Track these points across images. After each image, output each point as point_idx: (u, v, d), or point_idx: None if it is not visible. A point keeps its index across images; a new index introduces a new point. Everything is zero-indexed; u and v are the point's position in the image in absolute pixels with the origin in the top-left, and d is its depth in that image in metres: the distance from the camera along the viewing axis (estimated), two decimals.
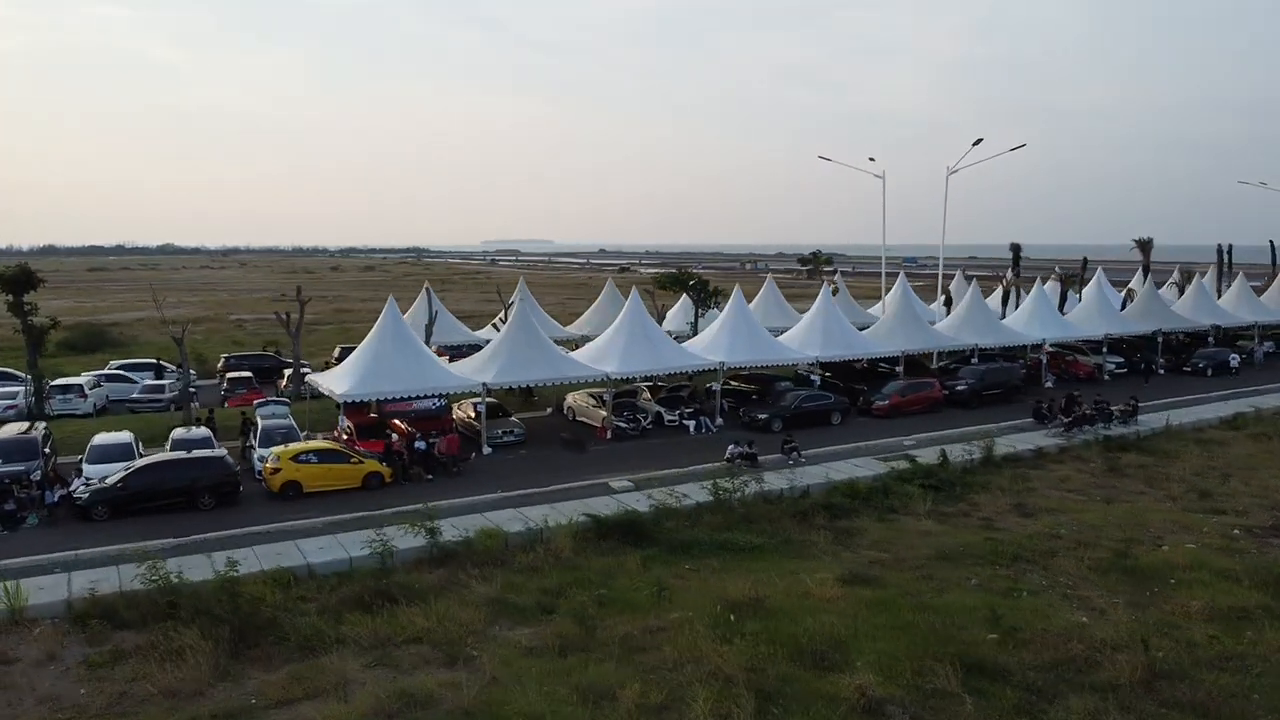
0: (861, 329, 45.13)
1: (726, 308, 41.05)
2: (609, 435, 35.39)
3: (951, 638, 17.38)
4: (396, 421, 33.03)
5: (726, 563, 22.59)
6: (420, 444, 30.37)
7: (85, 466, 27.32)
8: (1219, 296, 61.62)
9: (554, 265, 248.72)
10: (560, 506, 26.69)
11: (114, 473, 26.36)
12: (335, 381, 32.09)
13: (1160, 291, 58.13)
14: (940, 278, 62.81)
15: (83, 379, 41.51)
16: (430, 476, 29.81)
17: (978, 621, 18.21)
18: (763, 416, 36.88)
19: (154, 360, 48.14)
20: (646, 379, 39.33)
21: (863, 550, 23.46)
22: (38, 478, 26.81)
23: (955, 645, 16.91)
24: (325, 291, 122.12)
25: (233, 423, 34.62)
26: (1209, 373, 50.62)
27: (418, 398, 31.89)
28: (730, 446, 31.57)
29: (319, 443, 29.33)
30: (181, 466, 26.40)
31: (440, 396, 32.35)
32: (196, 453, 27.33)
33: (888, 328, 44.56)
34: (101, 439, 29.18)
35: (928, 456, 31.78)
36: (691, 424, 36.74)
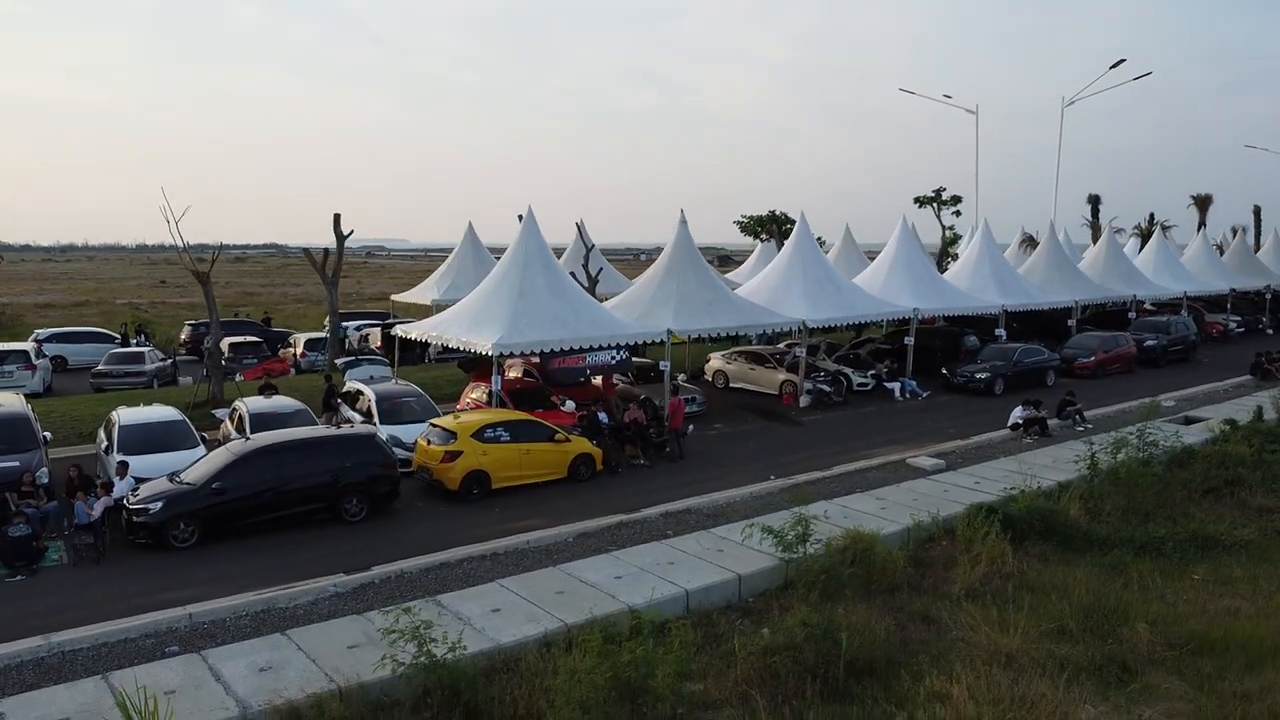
0: None
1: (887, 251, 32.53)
2: (801, 403, 26.42)
3: None
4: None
5: (1222, 567, 14.59)
6: (603, 415, 20.62)
7: (118, 458, 16.40)
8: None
9: (432, 257, 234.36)
10: (886, 497, 17.85)
11: (183, 468, 15.71)
12: (463, 330, 21.81)
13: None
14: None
15: (28, 345, 29.35)
16: (644, 460, 20.18)
17: None
18: (983, 376, 28.61)
19: (99, 329, 35.95)
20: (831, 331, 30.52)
21: None
22: (45, 480, 15.87)
23: None
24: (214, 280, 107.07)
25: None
26: None
27: (592, 349, 21.90)
28: (1017, 410, 23.30)
29: (505, 411, 19.19)
30: (314, 453, 15.94)
31: (620, 348, 22.48)
32: (334, 431, 16.84)
33: (1041, 275, 37.14)
34: (133, 416, 18.21)
35: (1216, 417, 24.64)
36: (895, 387, 28.11)
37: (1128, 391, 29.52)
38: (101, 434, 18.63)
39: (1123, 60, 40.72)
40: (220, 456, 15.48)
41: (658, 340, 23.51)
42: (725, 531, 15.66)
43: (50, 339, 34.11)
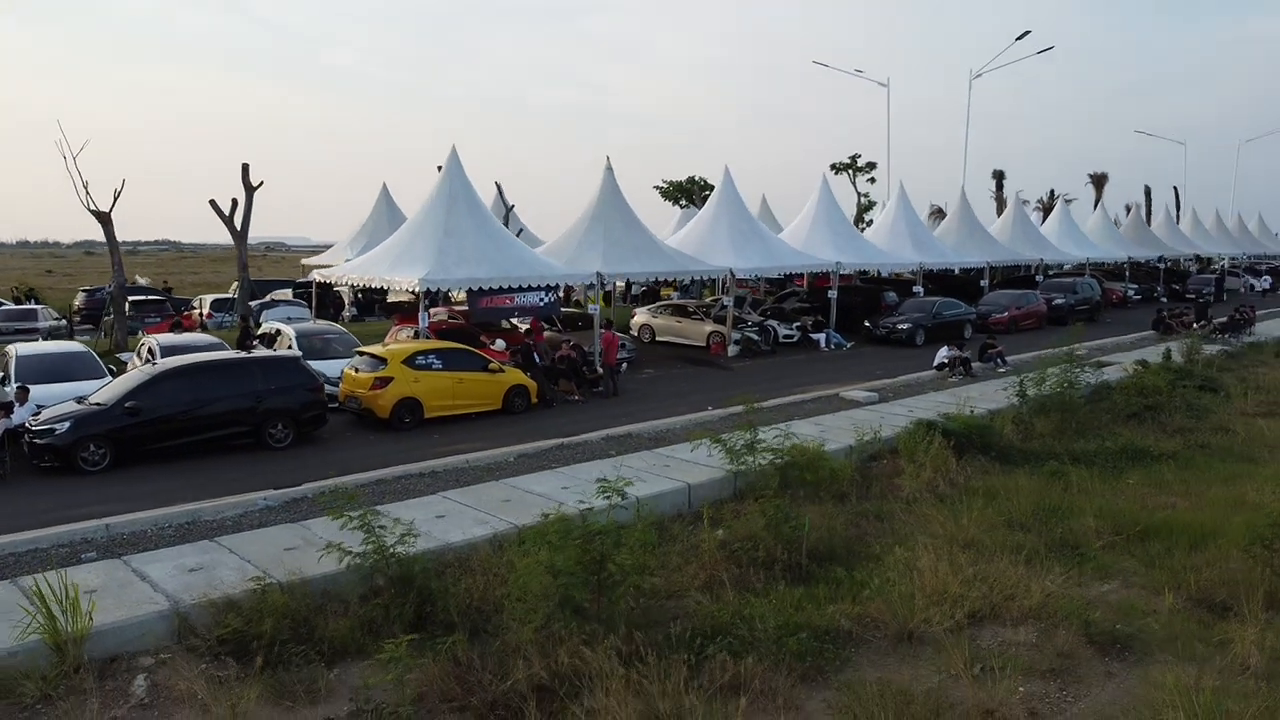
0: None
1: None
2: (729, 352, 26.33)
3: None
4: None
5: (1153, 474, 15.00)
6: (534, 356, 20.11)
7: (15, 386, 15.14)
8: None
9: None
10: (825, 422, 17.85)
11: (92, 394, 14.61)
12: (386, 269, 20.97)
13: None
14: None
15: None
16: (578, 396, 19.73)
17: None
18: (904, 328, 29.02)
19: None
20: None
21: None
22: None
23: None
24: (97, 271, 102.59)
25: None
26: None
27: (521, 290, 21.23)
28: (943, 350, 23.74)
29: (437, 341, 18.46)
30: (236, 374, 14.99)
31: (549, 289, 21.85)
32: (258, 353, 15.89)
33: (954, 239, 37.99)
34: (30, 349, 16.92)
35: (1128, 360, 25.62)
36: (820, 338, 28.28)
37: (1040, 344, 30.31)
38: None
39: (1028, 32, 41.98)
40: (133, 377, 14.48)
41: (586, 283, 23.08)
42: (670, 451, 15.38)
43: None
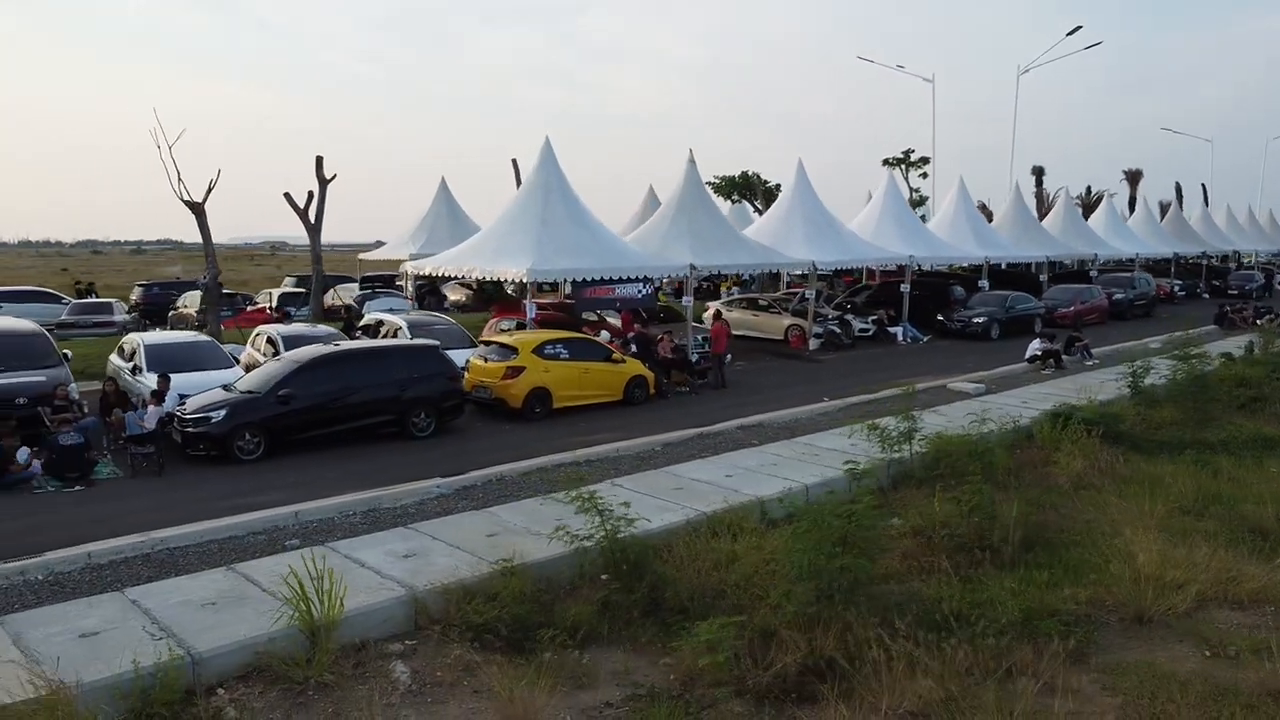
0: None
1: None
2: (810, 345, 26.26)
3: None
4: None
5: None
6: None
7: (146, 380, 15.05)
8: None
9: (340, 251, 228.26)
10: (945, 412, 17.79)
11: (236, 382, 14.52)
12: (486, 261, 20.87)
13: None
14: None
15: None
16: (686, 389, 19.67)
17: None
18: (980, 321, 28.97)
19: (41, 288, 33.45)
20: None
21: None
22: (76, 395, 14.49)
23: None
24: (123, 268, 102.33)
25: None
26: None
27: (620, 281, 21.16)
28: (1034, 343, 23.73)
29: (560, 331, 18.39)
30: (381, 363, 14.93)
31: (646, 282, 21.78)
32: (398, 340, 15.83)
33: (1009, 233, 37.91)
34: (157, 338, 16.86)
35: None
36: (897, 331, 28.23)
37: (1108, 338, 30.31)
38: (115, 360, 17.17)
39: (1079, 27, 41.90)
40: (281, 365, 14.39)
41: (679, 275, 23.02)
42: (809, 439, 15.33)
43: None
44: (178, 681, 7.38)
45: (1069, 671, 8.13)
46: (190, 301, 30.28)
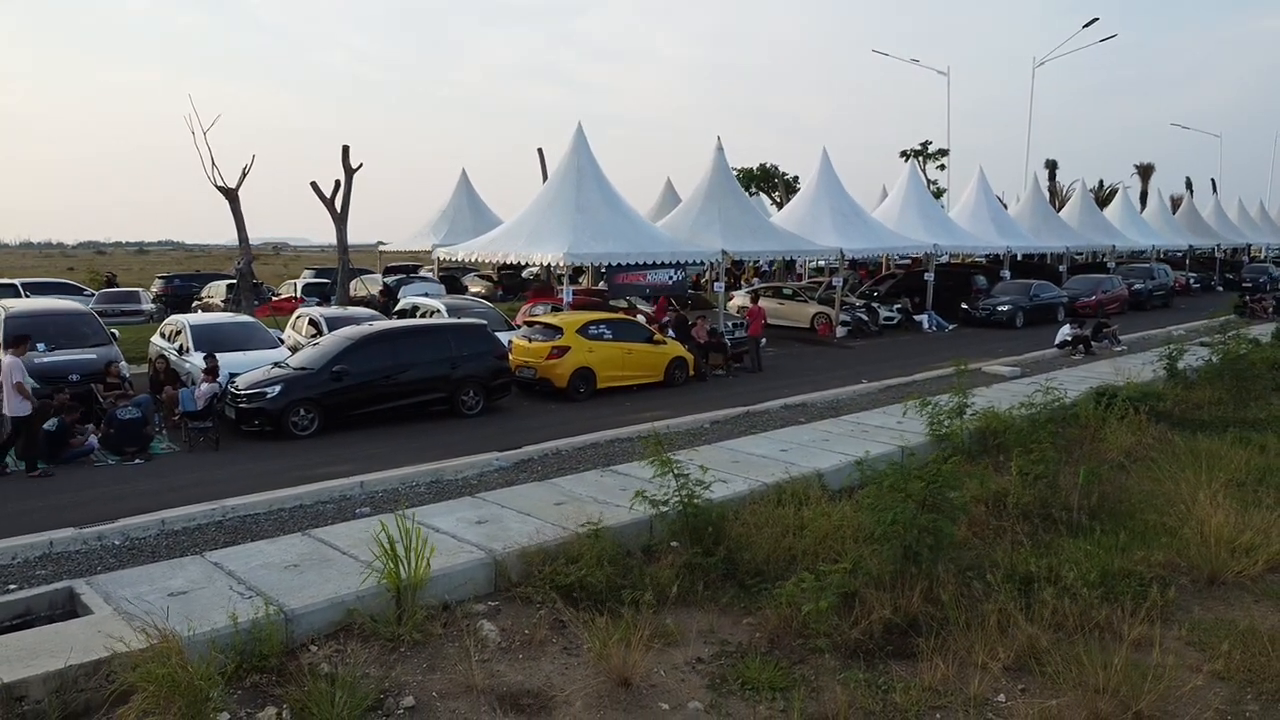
0: None
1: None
2: (838, 333, 26.31)
3: None
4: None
5: None
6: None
7: (194, 359, 15.10)
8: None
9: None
10: (984, 394, 17.82)
11: (288, 360, 14.57)
12: (521, 245, 20.92)
13: None
14: None
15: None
16: (722, 371, 19.72)
17: None
18: (1005, 309, 29.03)
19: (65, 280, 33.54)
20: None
21: None
22: (127, 373, 14.54)
23: None
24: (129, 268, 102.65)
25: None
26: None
27: (652, 267, 21.23)
28: (1065, 329, 23.81)
29: (604, 313, 18.46)
30: (432, 340, 14.98)
31: (679, 267, 21.86)
32: (445, 319, 15.88)
33: (1028, 224, 37.96)
34: (201, 319, 16.91)
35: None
36: (923, 319, 28.28)
37: (1131, 326, 30.36)
38: (158, 341, 17.22)
39: (1095, 19, 41.89)
40: (335, 341, 14.45)
41: (711, 260, 23.08)
42: (856, 418, 15.36)
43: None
44: (274, 637, 7.43)
45: (1158, 629, 8.19)
46: (214, 292, 30.36)
